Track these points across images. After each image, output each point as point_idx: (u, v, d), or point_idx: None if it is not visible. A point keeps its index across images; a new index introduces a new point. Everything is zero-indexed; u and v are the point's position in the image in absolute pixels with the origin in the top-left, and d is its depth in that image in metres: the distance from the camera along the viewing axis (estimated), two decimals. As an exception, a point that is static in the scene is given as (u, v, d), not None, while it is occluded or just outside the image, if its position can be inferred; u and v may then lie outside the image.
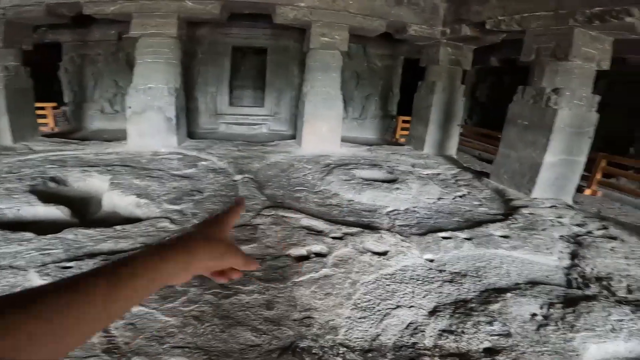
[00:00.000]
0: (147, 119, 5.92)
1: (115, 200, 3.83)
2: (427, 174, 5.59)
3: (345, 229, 3.24)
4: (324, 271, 2.61)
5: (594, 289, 2.74)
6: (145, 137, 5.94)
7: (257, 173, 5.03)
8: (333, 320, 2.15)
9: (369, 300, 2.37)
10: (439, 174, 5.69)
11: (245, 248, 2.84)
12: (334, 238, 3.09)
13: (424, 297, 2.45)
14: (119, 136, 6.49)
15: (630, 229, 3.89)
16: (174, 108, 6.03)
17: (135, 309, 2.04)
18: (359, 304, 2.33)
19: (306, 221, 3.38)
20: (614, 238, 3.60)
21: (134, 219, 3.38)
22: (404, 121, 9.38)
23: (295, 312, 2.18)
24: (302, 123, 6.53)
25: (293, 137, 7.60)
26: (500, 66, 9.96)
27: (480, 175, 5.68)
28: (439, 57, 6.72)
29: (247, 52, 9.19)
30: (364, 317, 2.21)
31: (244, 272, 0.55)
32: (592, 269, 2.99)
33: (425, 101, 7.21)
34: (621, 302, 2.54)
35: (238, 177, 4.68)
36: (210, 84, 8.63)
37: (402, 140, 9.09)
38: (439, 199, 4.53)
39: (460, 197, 4.69)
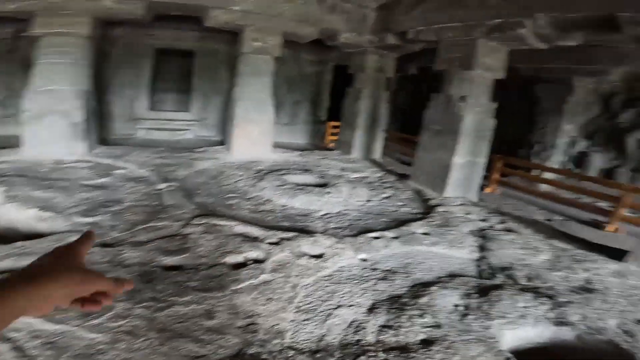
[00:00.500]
0: (48, 123, 5.19)
1: (12, 215, 3.29)
2: (355, 178, 5.86)
3: (281, 234, 3.25)
4: (264, 277, 2.59)
5: (500, 278, 3.07)
6: (46, 144, 5.19)
7: (184, 181, 4.76)
8: (278, 324, 2.15)
9: (311, 302, 2.42)
10: (366, 177, 6.01)
11: (176, 259, 2.67)
12: (270, 244, 3.07)
13: (361, 295, 2.56)
14: (10, 143, 5.57)
15: (524, 222, 4.56)
16: (82, 112, 5.40)
17: (52, 327, 1.80)
18: (301, 306, 2.36)
19: (240, 228, 3.31)
20: (512, 231, 4.14)
21: (37, 235, 2.94)
22: (333, 126, 9.69)
23: (238, 319, 2.14)
24: (232, 129, 6.37)
25: (222, 143, 7.35)
26: (418, 74, 10.87)
27: (402, 177, 6.13)
28: (366, 65, 7.10)
29: (171, 54, 8.64)
30: (308, 319, 2.25)
31: (114, 295, 0.56)
32: (497, 260, 3.36)
33: (352, 107, 7.56)
34: (524, 289, 2.85)
35: (162, 185, 4.37)
36: (127, 87, 7.90)
37: (332, 145, 9.38)
38: (367, 201, 4.79)
39: (386, 198, 5.01)
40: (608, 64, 6.18)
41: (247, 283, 2.50)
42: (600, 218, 5.44)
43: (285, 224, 3.71)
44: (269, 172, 5.32)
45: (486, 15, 4.48)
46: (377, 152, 7.94)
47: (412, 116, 11.71)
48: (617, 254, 3.64)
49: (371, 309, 2.42)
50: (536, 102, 8.11)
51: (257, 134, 6.43)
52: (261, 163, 6.01)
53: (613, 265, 3.46)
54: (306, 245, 3.13)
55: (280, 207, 4.17)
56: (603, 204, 5.59)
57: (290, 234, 3.28)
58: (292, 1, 5.83)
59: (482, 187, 6.06)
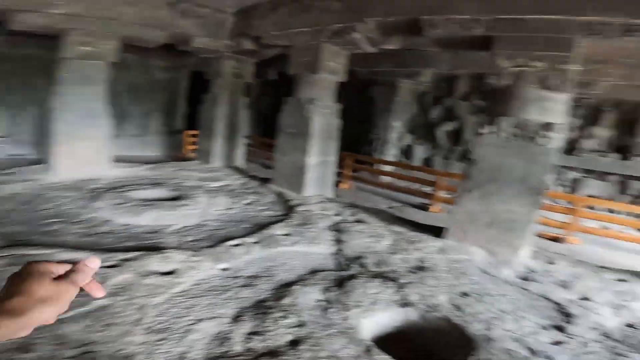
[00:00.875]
0: None
1: None
2: (216, 187, 5.71)
3: (121, 255, 2.92)
4: (98, 303, 2.29)
5: (354, 268, 3.32)
6: None
7: (-22, 211, 3.72)
8: (123, 349, 1.96)
9: (165, 321, 2.27)
10: (228, 185, 5.92)
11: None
12: (106, 267, 2.72)
13: (224, 305, 2.50)
14: None
15: (371, 212, 5.19)
16: None
17: None
18: (153, 327, 2.20)
19: (64, 255, 2.83)
20: (362, 221, 4.61)
21: None
22: (192, 135, 9.22)
23: (67, 349, 1.90)
24: (56, 144, 5.34)
25: (41, 161, 6.04)
26: (278, 79, 11.25)
27: (264, 181, 6.25)
28: (223, 70, 7.03)
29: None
30: (164, 339, 2.11)
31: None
32: (351, 251, 3.67)
33: (210, 114, 7.39)
34: (374, 276, 3.11)
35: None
36: None
37: (192, 155, 8.92)
38: (228, 209, 4.71)
39: (248, 204, 5.03)
40: (420, 66, 7.53)
41: (74, 312, 2.17)
42: (426, 201, 6.68)
43: (129, 244, 3.36)
44: (107, 190, 4.70)
45: (329, 20, 4.91)
46: (240, 159, 7.92)
47: (274, 121, 12.03)
48: (439, 232, 4.35)
49: (236, 318, 2.39)
50: (372, 102, 9.42)
51: (89, 150, 5.58)
52: (97, 181, 5.23)
53: (437, 243, 4.07)
54: (155, 263, 2.89)
55: (121, 227, 3.74)
56: (427, 189, 6.88)
57: (134, 254, 2.97)
58: (135, 4, 5.32)
59: (337, 184, 6.68)
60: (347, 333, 2.31)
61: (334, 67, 5.46)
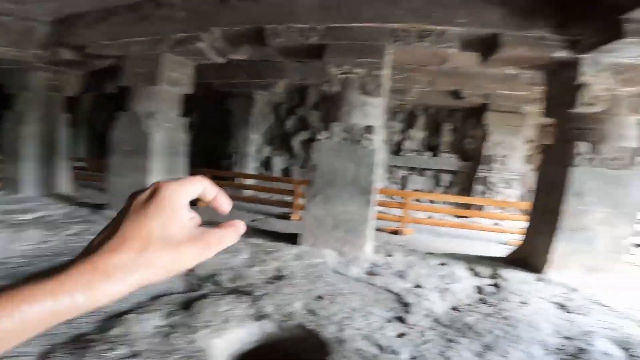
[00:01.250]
0: None
1: None
2: (27, 219, 4.86)
3: None
4: None
5: (207, 287, 3.21)
6: None
7: None
8: None
9: None
10: (45, 216, 5.10)
11: None
12: None
13: (28, 344, 2.06)
14: None
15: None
16: None
17: None
18: None
19: None
20: None
21: None
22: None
23: None
24: None
25: None
26: (118, 93, 10.11)
27: (98, 207, 5.59)
28: (33, 83, 6.20)
29: None
30: None
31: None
32: (203, 270, 3.51)
33: (15, 134, 6.29)
34: (227, 292, 3.05)
35: None
36: None
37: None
38: (42, 242, 4.07)
39: (73, 235, 4.42)
40: (273, 77, 7.77)
41: None
42: (287, 210, 6.96)
43: None
44: None
45: (171, 30, 4.75)
46: (66, 185, 6.90)
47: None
48: (295, 239, 4.55)
49: (45, 356, 2.13)
50: (230, 114, 9.43)
51: None
52: None
53: (294, 250, 4.26)
54: None
55: None
56: (288, 198, 7.18)
57: None
58: None
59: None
60: (194, 357, 2.20)
61: (177, 78, 5.28)
